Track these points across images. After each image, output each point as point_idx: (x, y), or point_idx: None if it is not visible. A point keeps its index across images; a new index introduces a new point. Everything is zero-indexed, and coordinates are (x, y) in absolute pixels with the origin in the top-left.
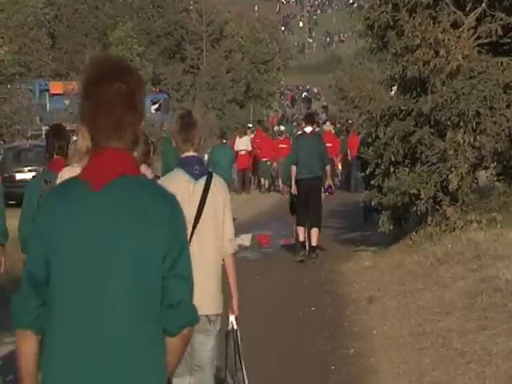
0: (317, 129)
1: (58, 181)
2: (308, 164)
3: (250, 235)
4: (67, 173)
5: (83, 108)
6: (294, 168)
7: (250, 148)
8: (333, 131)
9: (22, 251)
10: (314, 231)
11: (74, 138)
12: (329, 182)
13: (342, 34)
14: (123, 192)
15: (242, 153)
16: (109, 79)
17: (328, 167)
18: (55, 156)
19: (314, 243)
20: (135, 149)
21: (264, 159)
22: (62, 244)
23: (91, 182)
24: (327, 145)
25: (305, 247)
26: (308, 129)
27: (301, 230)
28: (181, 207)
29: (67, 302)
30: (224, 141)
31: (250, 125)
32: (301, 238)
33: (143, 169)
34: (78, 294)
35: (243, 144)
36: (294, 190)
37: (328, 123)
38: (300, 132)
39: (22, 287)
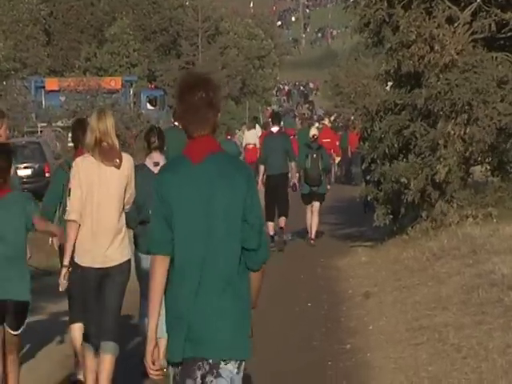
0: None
1: (74, 168)
2: (275, 162)
3: None
4: (79, 161)
5: (178, 110)
6: (262, 167)
7: (257, 142)
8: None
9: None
10: (282, 219)
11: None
12: (293, 179)
13: (334, 30)
14: (214, 164)
15: (250, 146)
16: (194, 89)
17: (293, 164)
18: (80, 147)
19: (281, 225)
20: (214, 132)
21: None
22: (178, 201)
23: (191, 158)
24: (325, 140)
25: (273, 240)
26: (275, 128)
27: (270, 225)
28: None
29: (185, 239)
30: (229, 136)
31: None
32: (270, 233)
33: (158, 156)
34: (192, 233)
35: (252, 137)
36: (260, 186)
37: (326, 119)
38: (268, 131)
39: (152, 229)
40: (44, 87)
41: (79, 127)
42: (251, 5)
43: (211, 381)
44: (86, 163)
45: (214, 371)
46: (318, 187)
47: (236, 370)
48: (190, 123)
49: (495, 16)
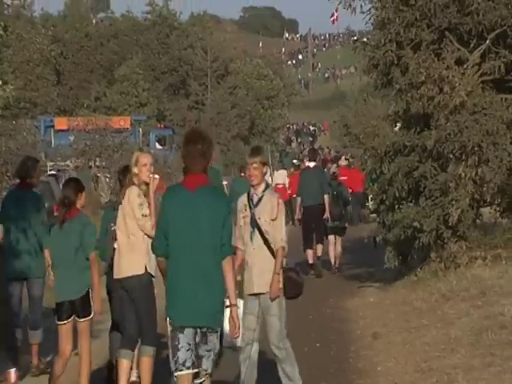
0: (333, 169)
1: (126, 197)
2: (311, 194)
3: None
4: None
5: (182, 153)
6: (298, 199)
7: (286, 182)
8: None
9: (101, 258)
10: (319, 246)
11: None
12: (326, 213)
13: (343, 70)
14: (204, 194)
15: (280, 186)
16: (194, 142)
17: (326, 196)
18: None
19: (319, 254)
20: (205, 171)
21: (294, 195)
22: (175, 217)
23: (187, 187)
24: (342, 178)
25: (313, 267)
26: (311, 164)
27: (309, 253)
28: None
29: (177, 245)
30: (242, 174)
31: (295, 161)
32: (310, 261)
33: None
34: (183, 240)
35: (281, 178)
36: (297, 216)
37: (343, 158)
38: (304, 167)
39: (156, 236)
40: (53, 126)
41: (124, 174)
42: (260, 45)
43: (201, 346)
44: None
45: (204, 339)
46: (340, 222)
47: (216, 340)
48: (189, 164)
49: (504, 58)
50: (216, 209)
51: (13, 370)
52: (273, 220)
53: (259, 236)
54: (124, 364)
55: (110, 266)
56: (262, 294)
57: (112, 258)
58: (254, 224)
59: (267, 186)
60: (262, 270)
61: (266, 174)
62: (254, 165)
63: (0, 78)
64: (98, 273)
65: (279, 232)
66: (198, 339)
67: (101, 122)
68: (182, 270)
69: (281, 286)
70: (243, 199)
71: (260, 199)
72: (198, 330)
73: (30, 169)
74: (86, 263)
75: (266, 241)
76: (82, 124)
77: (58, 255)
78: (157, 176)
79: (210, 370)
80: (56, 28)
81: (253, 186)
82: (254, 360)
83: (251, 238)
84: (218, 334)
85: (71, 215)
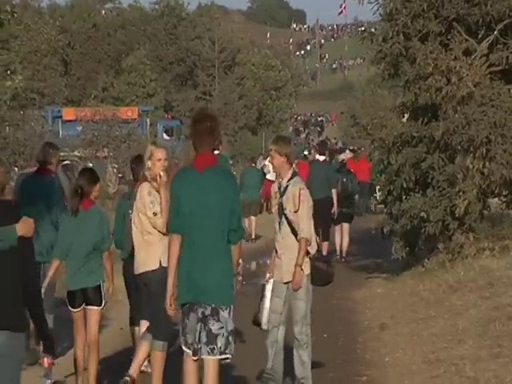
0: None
1: (138, 193)
2: (320, 187)
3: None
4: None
5: (190, 133)
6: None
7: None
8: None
9: (116, 247)
10: (325, 244)
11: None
12: (334, 207)
13: (350, 61)
14: (212, 173)
15: None
16: (201, 120)
17: (334, 191)
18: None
19: (325, 252)
20: (213, 151)
21: None
22: (185, 197)
23: (196, 168)
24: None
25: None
26: (321, 157)
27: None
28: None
29: (189, 223)
30: (253, 164)
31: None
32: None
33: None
34: (194, 219)
35: None
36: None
37: (347, 151)
38: (314, 159)
39: (170, 216)
40: (61, 117)
41: (137, 163)
42: (268, 35)
43: (213, 323)
44: None
45: (216, 316)
46: (348, 208)
47: (227, 315)
48: (197, 143)
49: None
50: (225, 190)
51: (47, 357)
52: (295, 211)
53: (287, 225)
54: (144, 346)
55: (131, 253)
56: (291, 282)
57: (133, 246)
58: (282, 213)
59: (293, 174)
60: (290, 258)
61: (287, 164)
62: (271, 152)
63: (8, 69)
64: (111, 268)
65: (301, 223)
66: (208, 313)
67: (108, 113)
68: (191, 249)
69: (308, 272)
70: (275, 186)
71: (285, 189)
72: (208, 307)
73: (49, 154)
74: (101, 257)
75: (293, 230)
76: (89, 114)
77: (71, 247)
78: (162, 173)
79: (223, 349)
80: (63, 18)
81: (276, 174)
82: (281, 344)
83: (280, 228)
84: (231, 310)
85: (85, 207)
